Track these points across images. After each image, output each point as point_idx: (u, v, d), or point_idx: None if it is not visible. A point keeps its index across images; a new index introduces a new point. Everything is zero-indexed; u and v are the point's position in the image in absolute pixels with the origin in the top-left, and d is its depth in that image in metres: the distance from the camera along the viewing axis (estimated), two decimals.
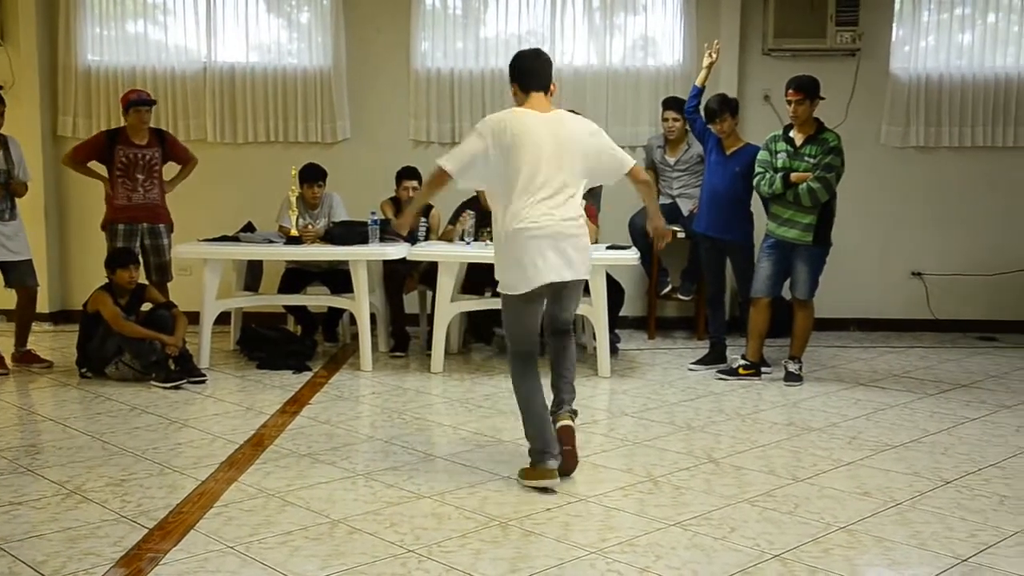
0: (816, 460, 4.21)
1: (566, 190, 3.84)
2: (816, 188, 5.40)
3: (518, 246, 3.77)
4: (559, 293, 3.94)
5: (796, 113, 5.47)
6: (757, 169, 5.67)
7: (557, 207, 3.79)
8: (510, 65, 3.98)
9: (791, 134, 5.57)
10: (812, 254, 5.56)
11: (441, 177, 3.90)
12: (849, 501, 3.68)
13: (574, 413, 4.06)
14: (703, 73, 6.16)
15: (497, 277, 3.97)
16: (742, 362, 5.82)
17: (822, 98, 5.55)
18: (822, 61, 7.15)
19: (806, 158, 5.49)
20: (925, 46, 7.39)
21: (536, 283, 3.79)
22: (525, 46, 7.22)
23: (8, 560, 3.05)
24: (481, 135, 3.85)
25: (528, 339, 3.97)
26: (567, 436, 3.93)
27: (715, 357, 6.13)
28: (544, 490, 3.73)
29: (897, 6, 7.31)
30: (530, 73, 3.94)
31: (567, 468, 3.88)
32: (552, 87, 4.00)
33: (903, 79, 7.37)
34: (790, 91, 5.48)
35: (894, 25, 7.33)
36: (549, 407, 3.98)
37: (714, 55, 6.16)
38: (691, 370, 6.07)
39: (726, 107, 5.91)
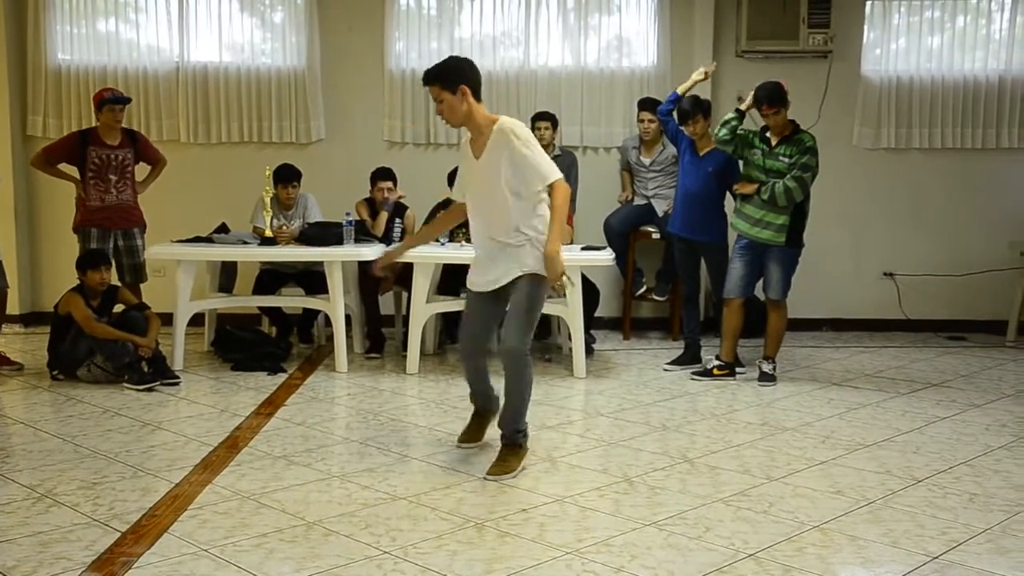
0: (790, 459, 4.24)
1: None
2: (792, 187, 5.44)
3: None
4: None
5: (775, 124, 5.52)
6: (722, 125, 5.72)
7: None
8: (471, 69, 3.95)
9: (768, 134, 5.61)
10: (784, 255, 5.60)
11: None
12: (822, 500, 3.71)
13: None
14: (687, 84, 6.14)
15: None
16: (716, 363, 5.85)
17: (787, 98, 5.59)
18: (794, 63, 7.21)
19: (780, 157, 5.53)
20: (896, 49, 7.47)
21: None
22: (500, 47, 7.39)
23: None
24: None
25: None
26: None
27: (690, 357, 6.16)
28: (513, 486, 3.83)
29: (868, 9, 7.39)
30: (480, 82, 3.98)
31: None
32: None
33: (874, 81, 7.45)
34: (763, 107, 5.50)
35: (865, 27, 7.41)
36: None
37: (707, 75, 6.19)
38: (666, 370, 6.10)
39: (698, 109, 5.95)
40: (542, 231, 3.91)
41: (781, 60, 7.21)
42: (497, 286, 4.01)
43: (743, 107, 5.64)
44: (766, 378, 5.73)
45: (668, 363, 6.20)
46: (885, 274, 7.64)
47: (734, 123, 5.62)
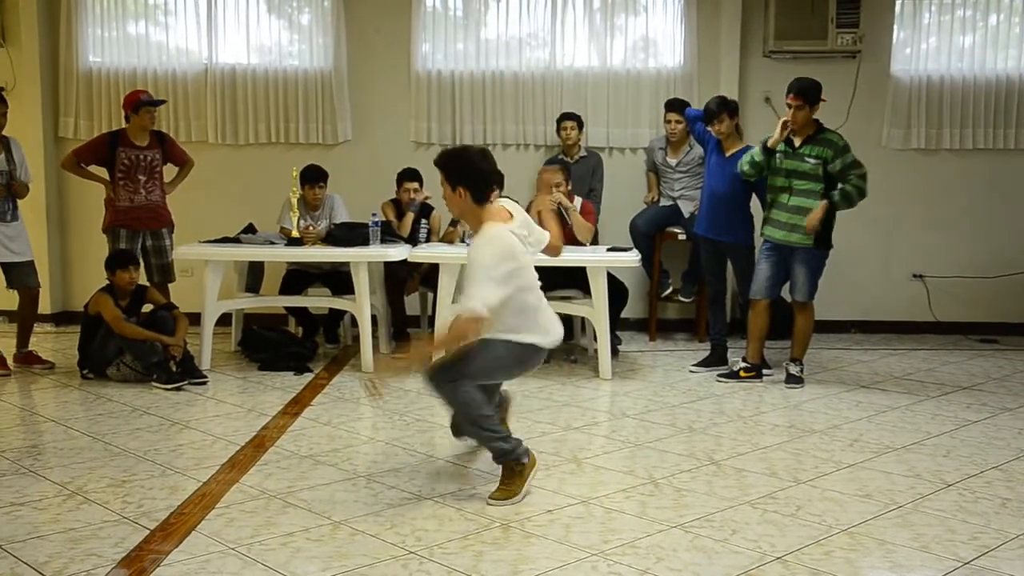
0: (817, 462, 4.21)
1: None
2: (851, 191, 5.42)
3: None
4: None
5: (795, 119, 5.46)
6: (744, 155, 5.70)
7: None
8: (477, 169, 3.74)
9: (789, 135, 5.56)
10: (812, 256, 5.56)
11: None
12: (851, 503, 3.68)
13: None
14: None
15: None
16: (743, 364, 5.82)
17: (823, 99, 5.55)
18: (823, 63, 7.15)
19: (806, 159, 5.49)
20: (926, 48, 7.39)
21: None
22: (526, 48, 7.39)
23: (10, 561, 3.06)
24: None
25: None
26: None
27: (716, 359, 6.13)
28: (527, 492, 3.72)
29: (898, 8, 7.31)
30: (487, 186, 3.74)
31: None
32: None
33: (904, 81, 7.37)
34: (790, 95, 5.46)
35: (895, 27, 7.33)
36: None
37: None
38: (692, 372, 6.07)
39: (724, 108, 5.91)
40: (509, 325, 3.67)
41: (809, 60, 7.15)
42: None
43: (770, 143, 5.54)
44: (793, 380, 5.69)
45: (694, 365, 6.18)
46: (914, 276, 7.56)
47: (760, 162, 5.56)
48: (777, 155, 5.54)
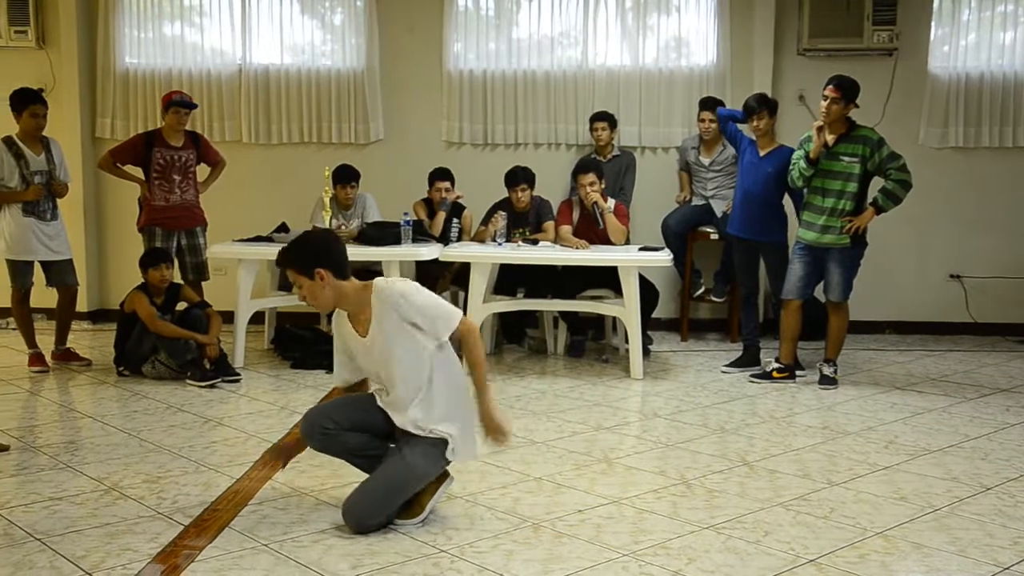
0: (852, 464, 4.17)
1: None
2: (893, 188, 5.39)
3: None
4: None
5: (828, 111, 5.39)
6: (793, 161, 5.64)
7: None
8: (326, 246, 3.38)
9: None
10: (847, 255, 5.51)
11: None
12: (886, 506, 3.64)
13: None
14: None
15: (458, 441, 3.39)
16: (776, 365, 5.77)
17: (857, 106, 5.48)
18: (858, 61, 7.07)
19: (841, 157, 5.43)
20: (965, 45, 7.28)
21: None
22: (557, 47, 7.39)
23: (49, 554, 3.10)
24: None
25: None
26: None
27: (748, 359, 6.09)
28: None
29: (936, 4, 7.21)
30: (345, 257, 3.39)
31: None
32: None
33: (942, 79, 7.27)
34: (829, 87, 5.40)
35: (933, 24, 7.23)
36: None
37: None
38: (724, 372, 6.03)
39: (765, 105, 5.85)
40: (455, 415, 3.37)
41: (844, 58, 7.08)
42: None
43: (812, 155, 5.46)
44: (827, 381, 5.63)
45: (726, 365, 6.14)
46: (951, 276, 7.46)
47: (807, 174, 5.50)
48: (821, 161, 5.49)
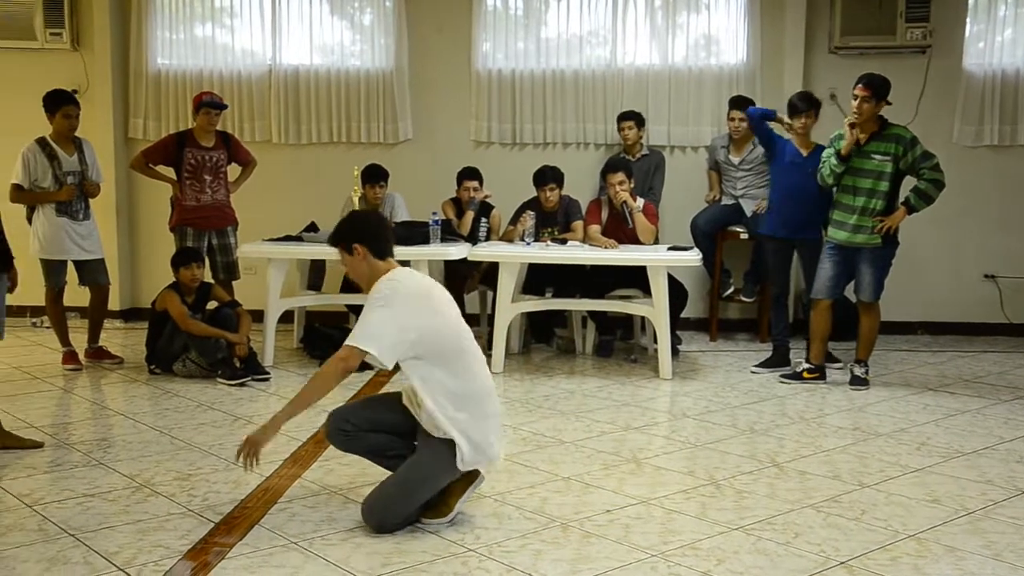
0: (883, 466, 4.12)
1: None
2: (926, 187, 5.34)
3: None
4: None
5: (859, 110, 5.34)
6: (823, 159, 5.59)
7: None
8: (366, 226, 3.56)
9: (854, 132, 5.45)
10: (879, 255, 5.45)
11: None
12: (918, 508, 3.60)
13: None
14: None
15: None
16: (806, 365, 5.72)
17: (889, 103, 5.42)
18: (891, 59, 7.00)
19: (873, 156, 5.38)
20: (1001, 41, 7.18)
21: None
22: (586, 46, 7.37)
23: (83, 550, 3.14)
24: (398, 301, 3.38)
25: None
26: None
27: (778, 360, 6.04)
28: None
29: (971, 1, 7.12)
30: (384, 239, 3.54)
31: None
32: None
33: (977, 76, 7.18)
34: (859, 86, 5.35)
35: (968, 20, 7.14)
36: None
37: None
38: (754, 372, 5.99)
39: (811, 105, 5.80)
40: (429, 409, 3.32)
41: (877, 56, 7.01)
42: None
43: (843, 152, 5.40)
44: (858, 382, 5.58)
45: (756, 365, 6.10)
46: (986, 276, 7.36)
47: (838, 171, 5.44)
48: (852, 159, 5.43)
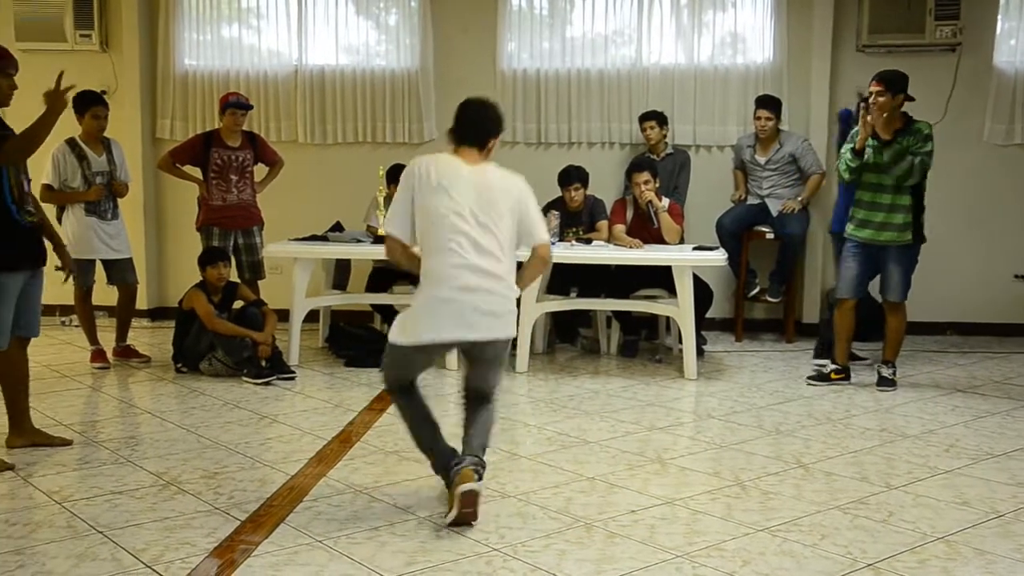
0: (911, 467, 4.08)
1: (490, 243, 3.49)
2: (916, 165, 5.24)
3: (429, 297, 3.48)
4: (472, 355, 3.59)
5: (878, 104, 5.28)
6: (838, 160, 5.55)
7: (481, 259, 3.46)
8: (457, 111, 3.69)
9: (877, 129, 5.39)
10: (905, 254, 5.38)
11: (392, 244, 3.57)
12: (947, 511, 3.56)
13: (480, 467, 3.46)
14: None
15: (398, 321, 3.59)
16: (832, 366, 5.67)
17: (911, 98, 5.34)
18: (920, 57, 6.93)
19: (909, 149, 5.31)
20: None
21: (427, 338, 3.48)
22: (612, 45, 7.34)
23: (110, 547, 3.16)
24: (406, 183, 3.55)
25: (401, 381, 3.66)
26: (468, 501, 3.34)
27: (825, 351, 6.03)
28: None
29: None
30: (468, 124, 3.65)
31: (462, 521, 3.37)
32: (490, 145, 3.67)
33: (1008, 73, 7.08)
34: (872, 82, 5.32)
35: (999, 17, 7.05)
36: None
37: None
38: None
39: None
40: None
41: (905, 54, 6.94)
42: None
43: (857, 145, 5.33)
44: (885, 383, 5.53)
45: (814, 360, 6.09)
46: (1017, 276, 7.27)
47: (854, 166, 5.37)
48: (868, 151, 5.37)
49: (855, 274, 5.50)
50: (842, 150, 5.53)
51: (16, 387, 4.29)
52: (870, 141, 5.37)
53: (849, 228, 5.54)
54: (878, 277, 5.53)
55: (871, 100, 5.30)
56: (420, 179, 3.51)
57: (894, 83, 5.27)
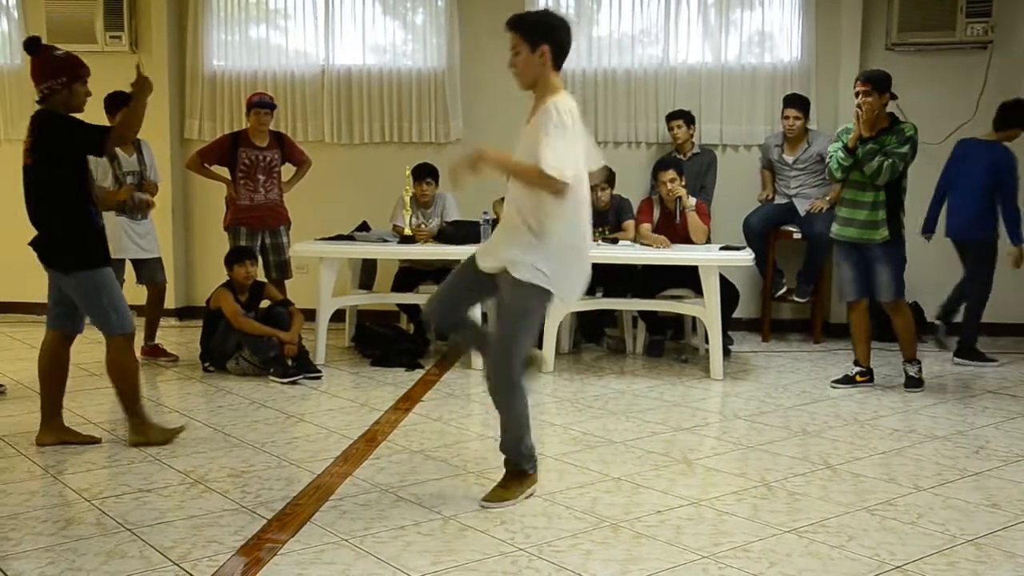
0: (940, 469, 4.04)
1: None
2: (885, 166, 5.16)
3: (581, 251, 3.66)
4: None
5: (866, 104, 5.22)
6: (829, 152, 5.54)
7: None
8: (562, 31, 3.48)
9: (861, 128, 5.33)
10: (889, 252, 5.30)
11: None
12: (977, 513, 3.52)
13: None
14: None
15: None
16: (857, 369, 5.61)
17: (894, 96, 5.31)
18: (950, 55, 6.86)
19: (883, 149, 5.25)
20: None
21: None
22: (638, 45, 7.32)
23: (139, 544, 3.19)
24: (573, 124, 3.41)
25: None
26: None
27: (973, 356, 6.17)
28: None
29: None
30: (568, 51, 3.49)
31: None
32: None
33: None
34: (858, 82, 5.30)
35: None
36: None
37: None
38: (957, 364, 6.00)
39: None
40: (548, 229, 3.39)
41: (935, 52, 6.86)
42: (487, 269, 3.56)
43: (849, 143, 5.28)
44: (913, 383, 5.46)
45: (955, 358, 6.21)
46: None
47: (847, 164, 5.33)
48: (858, 151, 5.33)
49: (852, 276, 5.45)
50: (831, 148, 5.50)
51: (56, 383, 4.38)
52: (846, 138, 5.33)
53: (835, 228, 5.50)
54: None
55: (858, 100, 5.28)
56: (577, 124, 3.36)
57: (880, 83, 5.24)
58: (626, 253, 6.05)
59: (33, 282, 5.07)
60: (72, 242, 4.16)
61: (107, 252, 4.32)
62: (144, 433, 4.35)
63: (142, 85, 4.42)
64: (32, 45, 4.29)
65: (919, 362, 5.52)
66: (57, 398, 4.39)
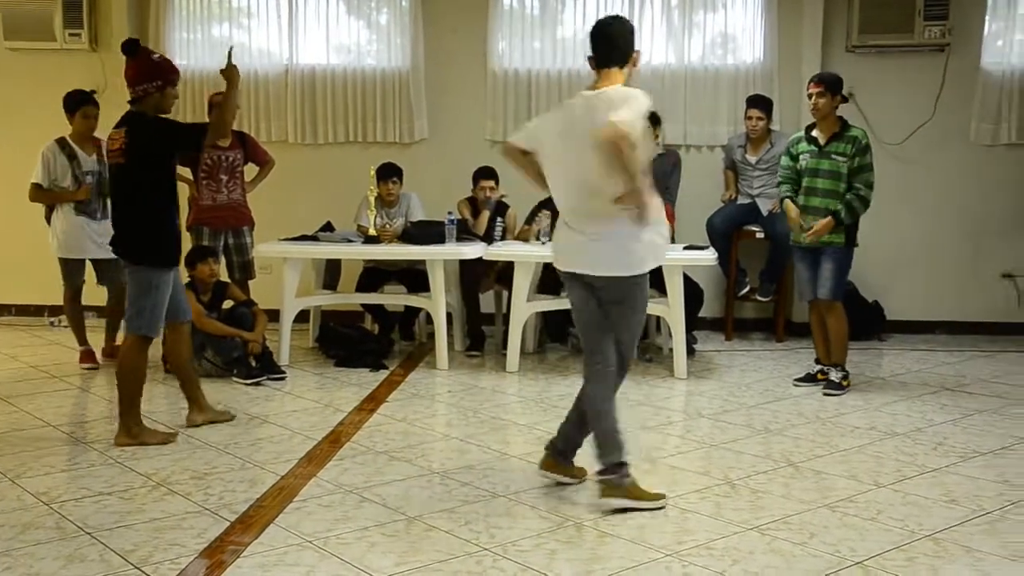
0: (899, 466, 4.10)
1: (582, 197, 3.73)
2: (854, 202, 5.24)
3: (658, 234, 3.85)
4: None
5: (816, 106, 5.31)
6: (779, 177, 5.61)
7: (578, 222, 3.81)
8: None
9: (814, 133, 5.41)
10: (839, 254, 5.35)
11: None
12: (935, 509, 3.57)
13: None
14: None
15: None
16: (819, 367, 5.66)
17: (845, 99, 5.41)
18: (909, 57, 6.96)
19: (833, 156, 5.31)
20: (1021, 40, 7.11)
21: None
22: None
23: (99, 548, 3.16)
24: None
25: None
26: None
27: None
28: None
29: None
30: (593, 46, 3.80)
31: None
32: (632, 59, 3.89)
33: (995, 74, 7.12)
34: (811, 84, 5.38)
35: (987, 18, 7.08)
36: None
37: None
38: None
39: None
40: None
41: (894, 54, 6.96)
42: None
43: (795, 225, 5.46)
44: (832, 387, 5.42)
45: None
46: (1004, 275, 7.31)
47: (790, 173, 5.49)
48: (803, 157, 5.40)
49: (808, 276, 5.50)
50: (783, 162, 5.57)
51: (183, 375, 4.67)
52: (808, 147, 5.39)
53: (791, 234, 5.56)
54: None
55: (811, 101, 5.34)
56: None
57: (832, 84, 5.32)
58: None
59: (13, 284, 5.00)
60: (152, 239, 4.31)
61: (178, 254, 4.50)
62: (136, 436, 4.34)
63: (231, 73, 4.48)
64: (130, 47, 4.39)
65: (845, 369, 5.51)
66: (191, 389, 4.65)
